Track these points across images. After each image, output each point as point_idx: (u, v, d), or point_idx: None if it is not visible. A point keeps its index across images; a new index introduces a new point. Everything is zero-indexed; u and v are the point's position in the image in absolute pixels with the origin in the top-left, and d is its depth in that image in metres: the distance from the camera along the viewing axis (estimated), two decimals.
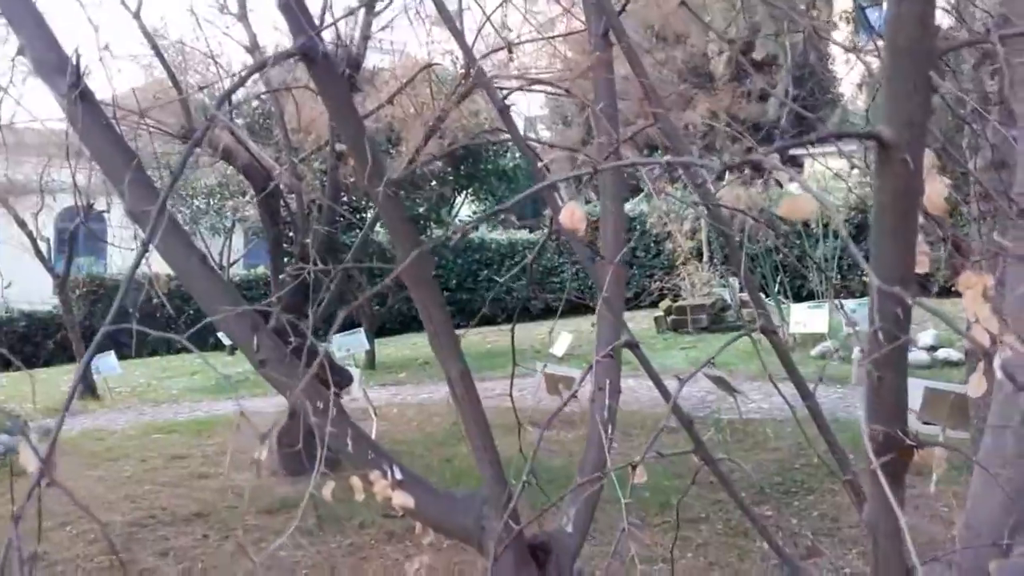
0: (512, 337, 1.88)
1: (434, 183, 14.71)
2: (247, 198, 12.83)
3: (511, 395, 1.88)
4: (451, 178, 15.19)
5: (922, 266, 1.20)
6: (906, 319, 1.14)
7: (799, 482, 7.58)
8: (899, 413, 1.23)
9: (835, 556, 5.95)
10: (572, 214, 1.30)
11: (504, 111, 1.78)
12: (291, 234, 11.02)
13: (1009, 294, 1.44)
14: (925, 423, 7.41)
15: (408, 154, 9.34)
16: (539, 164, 1.95)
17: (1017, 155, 1.79)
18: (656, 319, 16.95)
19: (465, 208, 19.82)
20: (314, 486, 1.49)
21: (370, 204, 12.96)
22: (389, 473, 1.93)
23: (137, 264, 1.43)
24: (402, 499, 1.76)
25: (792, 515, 6.77)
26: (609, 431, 1.93)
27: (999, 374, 1.09)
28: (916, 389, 7.72)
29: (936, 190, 1.18)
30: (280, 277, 8.51)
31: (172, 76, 8.26)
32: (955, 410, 7.24)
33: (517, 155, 19.56)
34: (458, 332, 2.40)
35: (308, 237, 8.36)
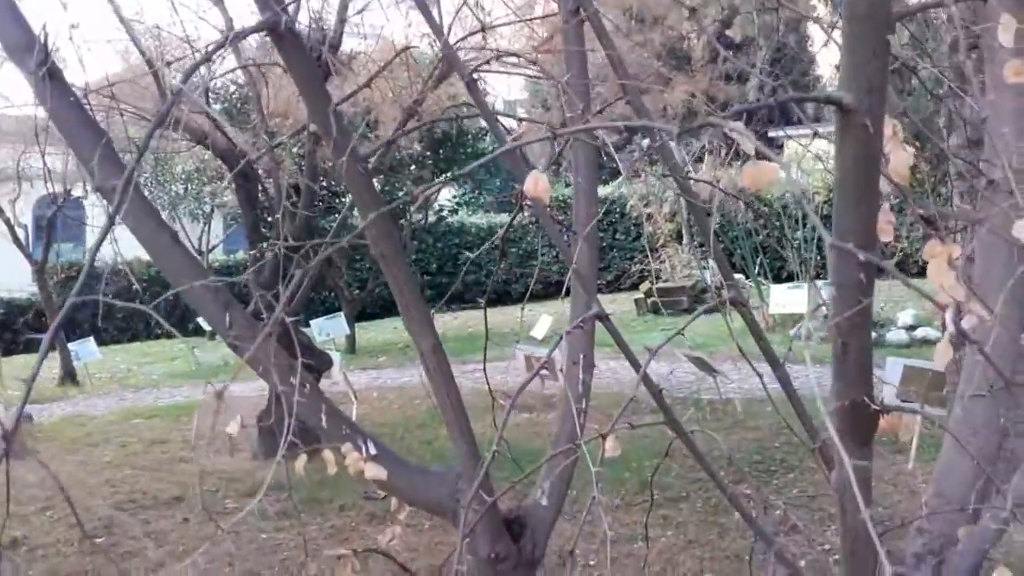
0: (485, 314, 1.88)
1: (413, 168, 14.65)
2: (225, 183, 12.73)
3: (484, 368, 1.88)
4: (430, 162, 15.11)
5: (885, 234, 1.21)
6: (869, 284, 1.14)
7: (778, 460, 7.65)
8: (865, 379, 1.24)
9: (813, 533, 6.01)
10: (536, 183, 1.30)
11: (472, 85, 1.78)
12: (269, 219, 10.96)
13: (978, 263, 1.46)
14: (904, 400, 7.48)
15: (386, 138, 9.29)
16: (509, 138, 1.94)
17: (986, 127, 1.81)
18: (636, 301, 17.00)
19: (445, 192, 19.77)
20: (280, 457, 1.48)
21: (347, 189, 12.91)
22: (363, 448, 1.93)
23: (103, 236, 1.41)
24: (374, 471, 1.76)
25: (771, 492, 6.84)
26: (583, 404, 1.93)
27: (950, 326, 1.10)
28: (895, 367, 7.78)
29: (901, 160, 1.18)
30: (252, 253, 8.45)
31: (147, 60, 8.18)
32: (933, 387, 7.31)
33: (496, 138, 19.52)
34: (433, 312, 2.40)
35: (285, 220, 8.31)
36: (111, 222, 1.35)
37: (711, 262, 17.41)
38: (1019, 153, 1.43)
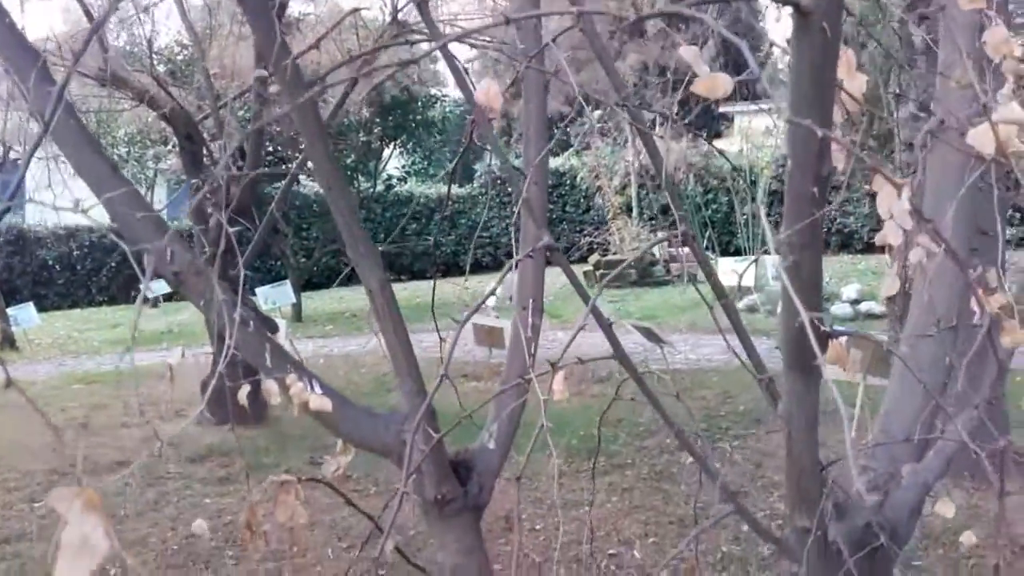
0: (434, 285, 1.83)
1: (361, 133, 14.43)
2: (169, 146, 12.42)
3: (434, 314, 1.85)
4: (378, 128, 14.89)
5: (838, 161, 1.19)
6: (821, 197, 1.13)
7: (724, 429, 7.75)
8: (815, 300, 1.22)
9: (758, 499, 6.11)
10: (488, 91, 1.26)
11: (422, 5, 1.71)
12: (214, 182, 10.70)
13: (926, 203, 1.45)
14: (844, 370, 7.64)
15: (335, 101, 9.14)
16: (462, 69, 1.89)
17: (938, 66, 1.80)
18: (586, 273, 17.04)
19: (394, 160, 19.54)
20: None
21: (296, 154, 12.70)
22: (309, 385, 1.88)
23: (34, 149, 1.34)
24: (319, 403, 1.71)
25: (716, 460, 6.92)
26: (532, 348, 1.90)
27: (914, 258, 1.08)
28: (839, 337, 7.89)
29: (856, 86, 1.16)
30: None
31: (88, 15, 7.92)
32: (876, 358, 7.47)
33: (447, 105, 19.29)
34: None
35: (231, 183, 8.12)
36: (43, 134, 1.27)
37: (659, 235, 17.52)
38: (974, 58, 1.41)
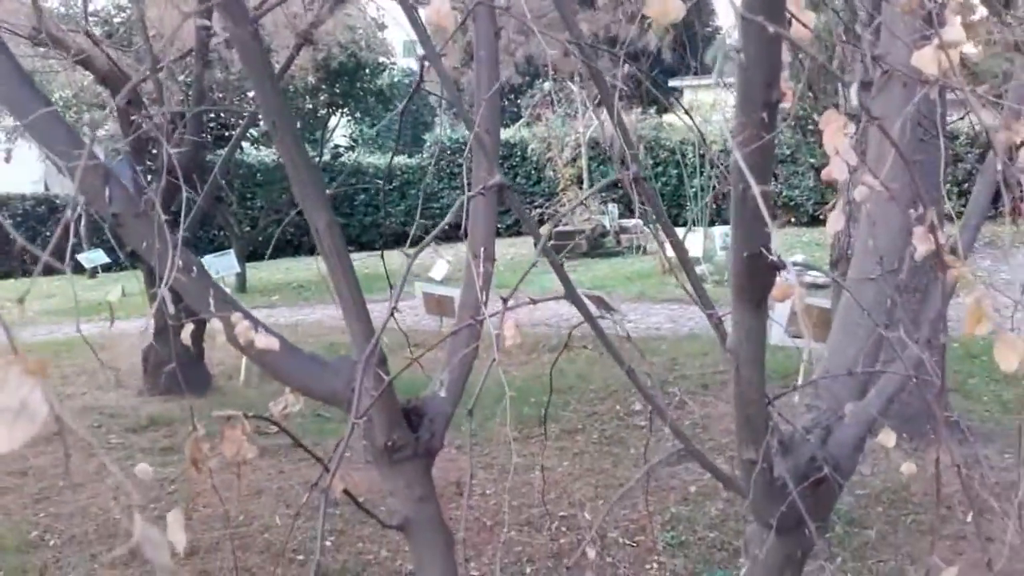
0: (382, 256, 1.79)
1: (307, 100, 14.15)
2: (107, 111, 12.05)
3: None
4: (324, 95, 14.61)
5: (786, 99, 1.18)
6: (771, 120, 1.12)
7: (671, 395, 7.81)
8: (761, 230, 1.22)
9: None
10: (439, 10, 1.22)
11: None
12: (154, 150, 10.44)
13: (871, 145, 1.46)
14: (793, 336, 7.76)
15: (280, 65, 8.95)
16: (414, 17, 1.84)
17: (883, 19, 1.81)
18: (536, 245, 17.07)
19: (341, 129, 19.24)
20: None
21: (238, 121, 12.43)
22: (255, 329, 1.83)
23: None
24: (265, 342, 1.67)
25: (664, 424, 6.99)
26: (484, 297, 1.88)
27: (857, 198, 1.08)
28: (784, 304, 8.02)
29: (803, 32, 1.15)
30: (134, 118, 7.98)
31: None
32: (820, 325, 7.59)
33: (395, 74, 19.03)
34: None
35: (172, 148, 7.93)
36: None
37: (610, 207, 17.59)
38: None
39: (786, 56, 1.30)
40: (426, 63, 1.54)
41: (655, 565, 4.76)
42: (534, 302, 1.45)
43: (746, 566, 1.70)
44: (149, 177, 8.57)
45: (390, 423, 2.12)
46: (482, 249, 2.05)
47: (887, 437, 1.30)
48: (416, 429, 2.18)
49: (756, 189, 0.89)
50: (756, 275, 1.24)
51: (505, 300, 1.30)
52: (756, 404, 1.42)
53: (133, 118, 8.37)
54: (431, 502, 2.23)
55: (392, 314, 1.31)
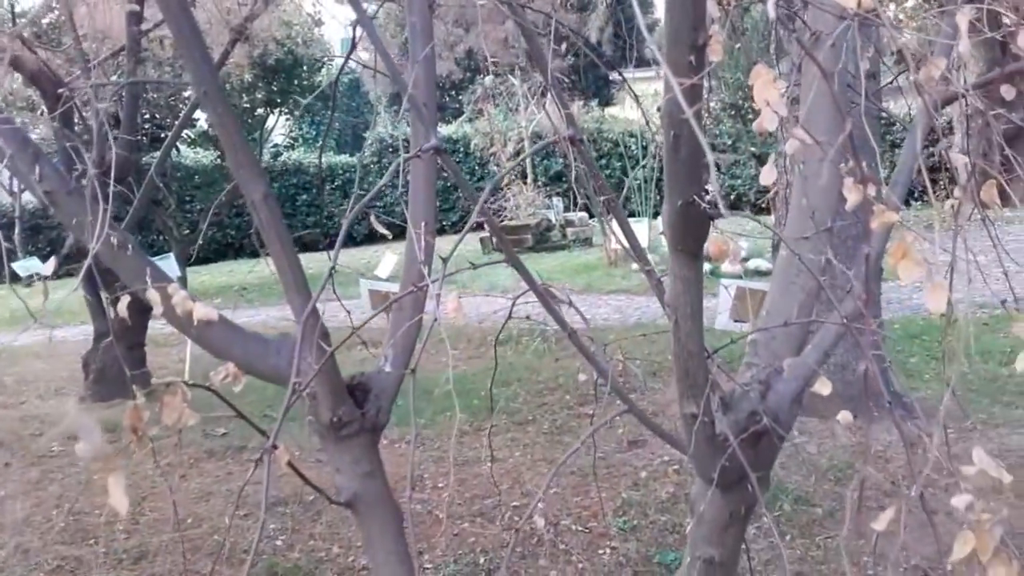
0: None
1: (244, 97, 13.92)
2: (38, 113, 11.72)
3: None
4: (261, 93, 14.39)
5: (715, 53, 1.19)
6: (699, 65, 1.12)
7: (621, 383, 7.86)
8: (695, 178, 1.23)
9: (654, 446, 6.26)
10: None
11: None
12: (88, 153, 10.19)
13: (803, 114, 1.48)
14: (736, 320, 7.87)
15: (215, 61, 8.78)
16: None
17: None
18: (482, 240, 17.05)
19: (280, 128, 18.98)
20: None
21: (174, 121, 12.19)
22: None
23: None
24: (204, 312, 1.63)
25: (614, 412, 7.05)
26: (427, 272, 1.86)
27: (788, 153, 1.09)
28: (728, 288, 8.13)
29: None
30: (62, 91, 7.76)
31: None
32: (755, 306, 7.71)
33: (334, 71, 18.85)
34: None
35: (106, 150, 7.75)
36: None
37: (555, 200, 17.64)
38: None
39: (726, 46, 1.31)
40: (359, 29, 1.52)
41: (608, 550, 4.79)
42: (474, 267, 1.44)
43: (691, 524, 1.71)
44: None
45: (335, 399, 2.10)
46: (423, 223, 2.03)
47: (823, 386, 1.32)
48: (362, 405, 2.16)
49: (690, 117, 0.89)
50: (691, 224, 1.25)
51: (445, 260, 1.28)
52: (696, 357, 1.43)
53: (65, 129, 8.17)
54: (378, 478, 2.21)
55: (332, 274, 1.29)
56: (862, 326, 1.18)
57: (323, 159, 21.52)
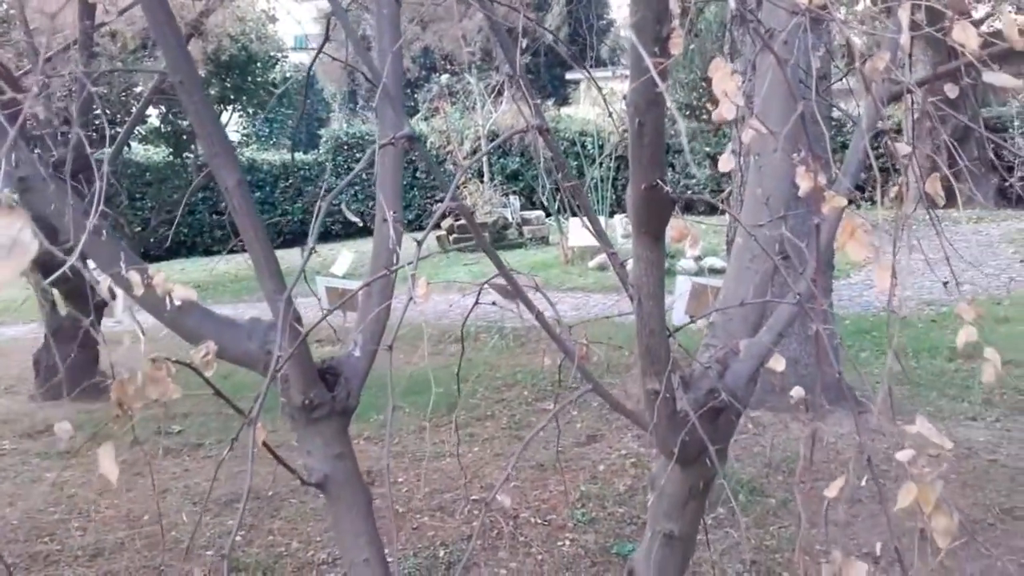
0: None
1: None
2: None
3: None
4: (215, 90, 14.23)
5: (676, 47, 1.25)
6: (663, 52, 1.18)
7: (578, 377, 7.92)
8: (658, 162, 1.28)
9: (613, 440, 6.34)
10: None
11: None
12: (38, 151, 10.02)
13: (756, 101, 1.55)
14: (690, 316, 8.01)
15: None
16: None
17: None
18: (439, 238, 17.06)
19: (233, 123, 18.77)
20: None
21: (125, 118, 12.03)
22: (169, 299, 1.80)
23: None
24: (184, 292, 1.66)
25: (572, 408, 7.12)
26: (395, 248, 1.90)
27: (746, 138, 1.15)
28: (684, 284, 8.28)
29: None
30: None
31: None
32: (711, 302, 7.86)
33: (287, 68, 18.71)
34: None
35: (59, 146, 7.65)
36: None
37: (512, 199, 17.71)
38: None
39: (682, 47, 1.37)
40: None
41: (567, 541, 4.85)
42: (445, 251, 1.47)
43: (651, 499, 1.77)
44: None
45: (306, 382, 2.14)
46: (391, 212, 2.07)
47: (776, 362, 1.38)
48: (332, 389, 2.21)
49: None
50: (654, 207, 1.31)
51: (419, 243, 1.32)
52: (658, 335, 1.49)
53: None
54: (348, 459, 2.25)
55: (311, 254, 1.32)
56: (814, 306, 1.24)
57: (276, 156, 21.34)
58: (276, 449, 2.08)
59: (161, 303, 1.68)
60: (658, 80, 0.96)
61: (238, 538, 4.93)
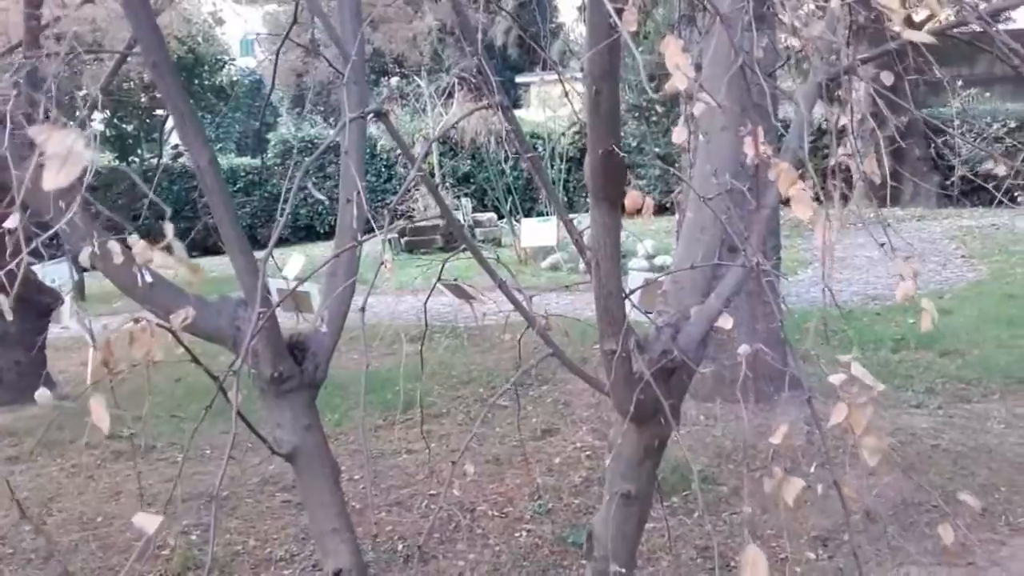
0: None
1: (143, 98, 13.58)
2: None
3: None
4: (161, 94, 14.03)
5: (629, 24, 1.31)
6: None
7: (534, 375, 8.00)
8: (614, 129, 1.35)
9: (568, 433, 6.42)
10: None
11: None
12: None
13: (705, 63, 1.62)
14: (644, 311, 8.13)
15: (114, 60, 8.61)
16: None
17: None
18: (389, 242, 17.02)
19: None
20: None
21: (70, 122, 11.81)
22: (140, 275, 1.83)
23: None
24: (163, 260, 1.68)
25: (528, 403, 7.19)
26: (358, 230, 1.95)
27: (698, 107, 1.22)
28: (637, 279, 8.36)
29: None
30: None
31: None
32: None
33: (234, 71, 18.53)
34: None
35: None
36: None
37: (463, 201, 17.75)
38: None
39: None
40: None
41: (524, 532, 4.91)
42: (410, 226, 1.52)
43: (608, 461, 1.84)
44: None
45: (276, 356, 2.18)
46: (355, 193, 2.12)
47: (725, 321, 1.46)
48: (300, 363, 2.26)
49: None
50: (610, 173, 1.37)
51: (395, 218, 1.36)
52: (615, 296, 1.55)
53: None
54: (317, 431, 2.29)
55: (279, 226, 1.36)
56: (764, 267, 1.32)
57: (224, 160, 21.06)
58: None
59: (134, 280, 1.71)
60: (625, 33, 1.02)
61: (193, 537, 4.91)
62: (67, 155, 0.83)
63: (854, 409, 1.21)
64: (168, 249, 1.40)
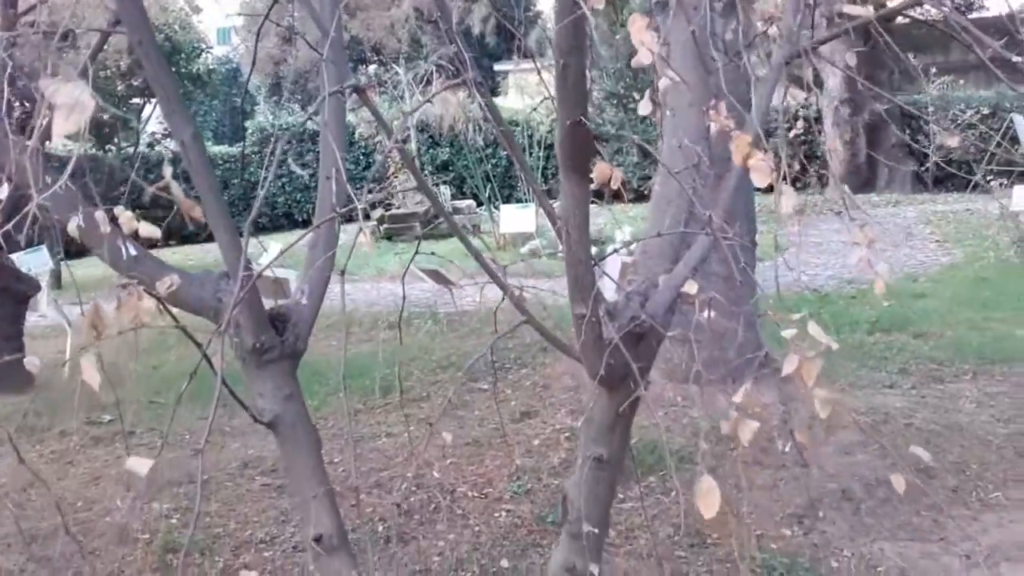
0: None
1: (120, 87, 13.47)
2: None
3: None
4: (139, 81, 13.94)
5: (596, 1, 1.36)
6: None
7: (513, 359, 8.06)
8: (581, 101, 1.40)
9: (547, 416, 6.48)
10: None
11: None
12: None
13: (673, 44, 1.68)
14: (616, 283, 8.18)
15: (90, 49, 8.55)
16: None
17: None
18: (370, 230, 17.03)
19: (156, 115, 18.39)
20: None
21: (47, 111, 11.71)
22: (123, 248, 1.87)
23: None
24: (148, 230, 1.72)
25: (507, 387, 7.24)
26: (336, 205, 1.99)
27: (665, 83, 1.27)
28: (614, 262, 8.43)
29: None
30: None
31: None
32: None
33: (211, 60, 18.41)
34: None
35: None
36: None
37: (442, 188, 17.74)
38: None
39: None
40: None
41: (504, 512, 4.96)
42: (391, 201, 1.56)
43: (581, 425, 1.89)
44: None
45: (257, 326, 2.24)
46: (333, 170, 2.17)
47: (690, 286, 1.51)
48: (282, 333, 2.31)
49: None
50: (579, 144, 1.42)
51: (375, 199, 1.41)
52: (584, 263, 1.61)
53: None
54: (297, 400, 2.35)
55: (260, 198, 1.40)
56: (732, 240, 1.37)
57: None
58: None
59: (119, 253, 1.75)
60: (587, 12, 1.06)
61: (174, 520, 4.93)
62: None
63: (805, 361, 1.27)
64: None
